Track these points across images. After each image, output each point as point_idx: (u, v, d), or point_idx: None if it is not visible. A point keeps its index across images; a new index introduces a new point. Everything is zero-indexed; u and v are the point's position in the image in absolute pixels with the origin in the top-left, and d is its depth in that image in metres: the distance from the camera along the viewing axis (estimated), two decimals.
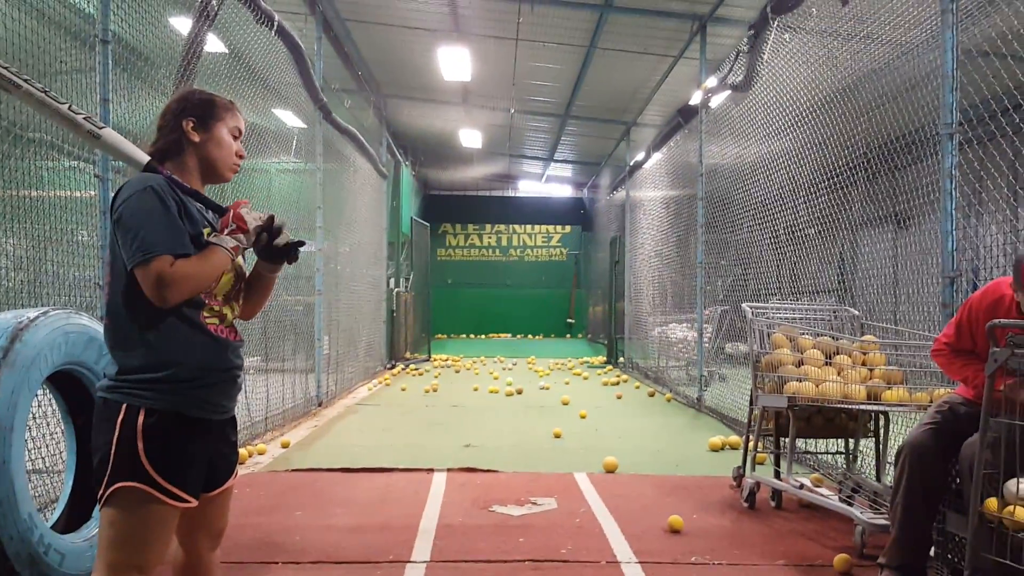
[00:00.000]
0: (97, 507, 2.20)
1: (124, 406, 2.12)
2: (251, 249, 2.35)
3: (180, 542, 2.37)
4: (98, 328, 3.57)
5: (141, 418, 2.11)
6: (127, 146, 2.29)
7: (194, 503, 2.21)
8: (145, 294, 2.11)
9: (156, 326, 2.17)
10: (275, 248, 2.34)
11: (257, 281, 2.46)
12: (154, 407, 2.13)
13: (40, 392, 3.66)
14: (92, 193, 4.53)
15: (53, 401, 3.78)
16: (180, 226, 2.17)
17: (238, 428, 2.47)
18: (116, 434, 2.11)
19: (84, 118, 2.22)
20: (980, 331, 3.35)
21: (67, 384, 3.54)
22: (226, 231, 2.25)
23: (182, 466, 2.17)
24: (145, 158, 2.28)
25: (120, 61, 4.74)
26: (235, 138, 2.41)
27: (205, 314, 2.25)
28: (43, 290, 4.27)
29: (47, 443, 4.05)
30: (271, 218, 2.31)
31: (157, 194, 2.15)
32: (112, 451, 2.11)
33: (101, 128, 2.24)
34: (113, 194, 2.22)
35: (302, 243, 2.40)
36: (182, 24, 5.82)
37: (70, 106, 2.18)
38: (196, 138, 2.33)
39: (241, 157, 2.45)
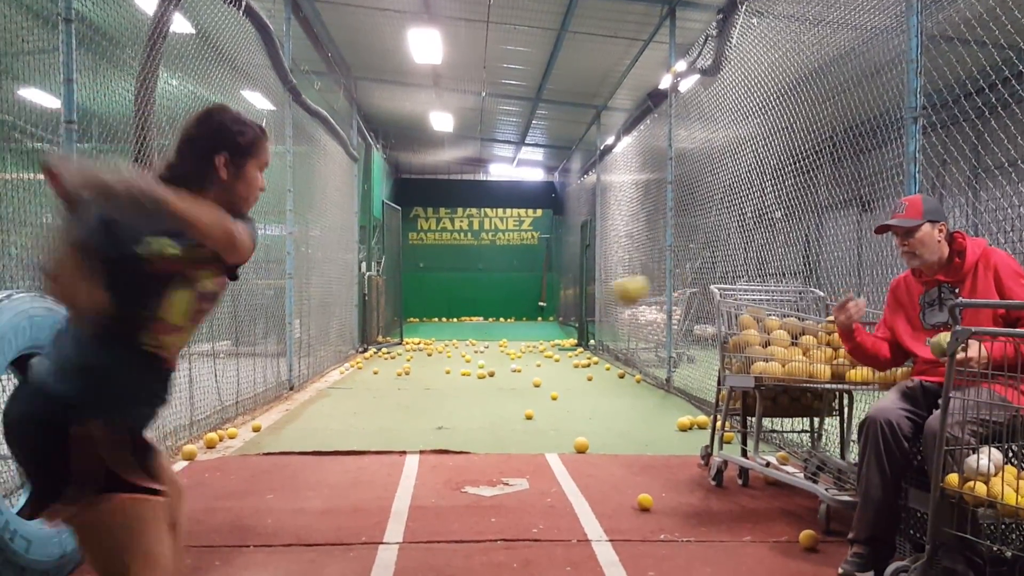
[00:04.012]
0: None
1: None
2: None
3: None
4: (63, 312, 3.52)
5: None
6: None
7: None
8: None
9: None
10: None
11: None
12: None
13: (4, 377, 3.62)
14: None
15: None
16: None
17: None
18: None
19: None
20: (890, 319, 3.90)
21: None
22: None
23: None
24: None
25: (84, 41, 4.65)
26: (260, 171, 2.26)
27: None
28: (6, 273, 4.21)
29: None
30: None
31: None
32: None
33: None
34: None
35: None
36: (148, 3, 5.73)
37: None
38: (225, 176, 2.16)
39: (262, 190, 2.29)
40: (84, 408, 2.00)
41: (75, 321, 2.11)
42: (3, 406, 2.13)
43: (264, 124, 2.32)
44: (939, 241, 3.59)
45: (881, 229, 3.81)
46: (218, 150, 2.14)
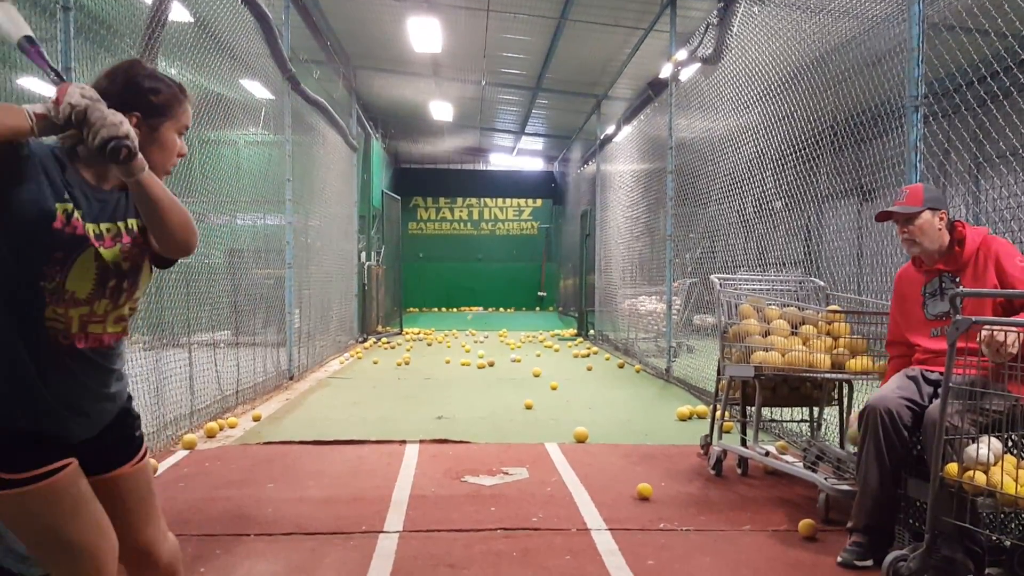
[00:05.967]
0: None
1: None
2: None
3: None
4: None
5: None
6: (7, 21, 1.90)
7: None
8: None
9: None
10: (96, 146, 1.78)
11: (137, 201, 1.93)
12: None
13: None
14: None
15: None
16: None
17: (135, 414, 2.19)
18: None
19: None
20: (896, 316, 3.91)
21: None
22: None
23: None
24: (24, 33, 1.90)
25: (82, 29, 4.63)
26: (180, 135, 2.06)
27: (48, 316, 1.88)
28: None
29: None
30: (84, 109, 1.77)
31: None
32: None
33: None
34: None
35: (120, 140, 1.78)
36: None
37: None
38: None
39: (182, 155, 2.08)
40: None
41: None
42: None
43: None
44: (939, 229, 3.60)
45: (882, 216, 3.82)
46: (130, 108, 1.90)
